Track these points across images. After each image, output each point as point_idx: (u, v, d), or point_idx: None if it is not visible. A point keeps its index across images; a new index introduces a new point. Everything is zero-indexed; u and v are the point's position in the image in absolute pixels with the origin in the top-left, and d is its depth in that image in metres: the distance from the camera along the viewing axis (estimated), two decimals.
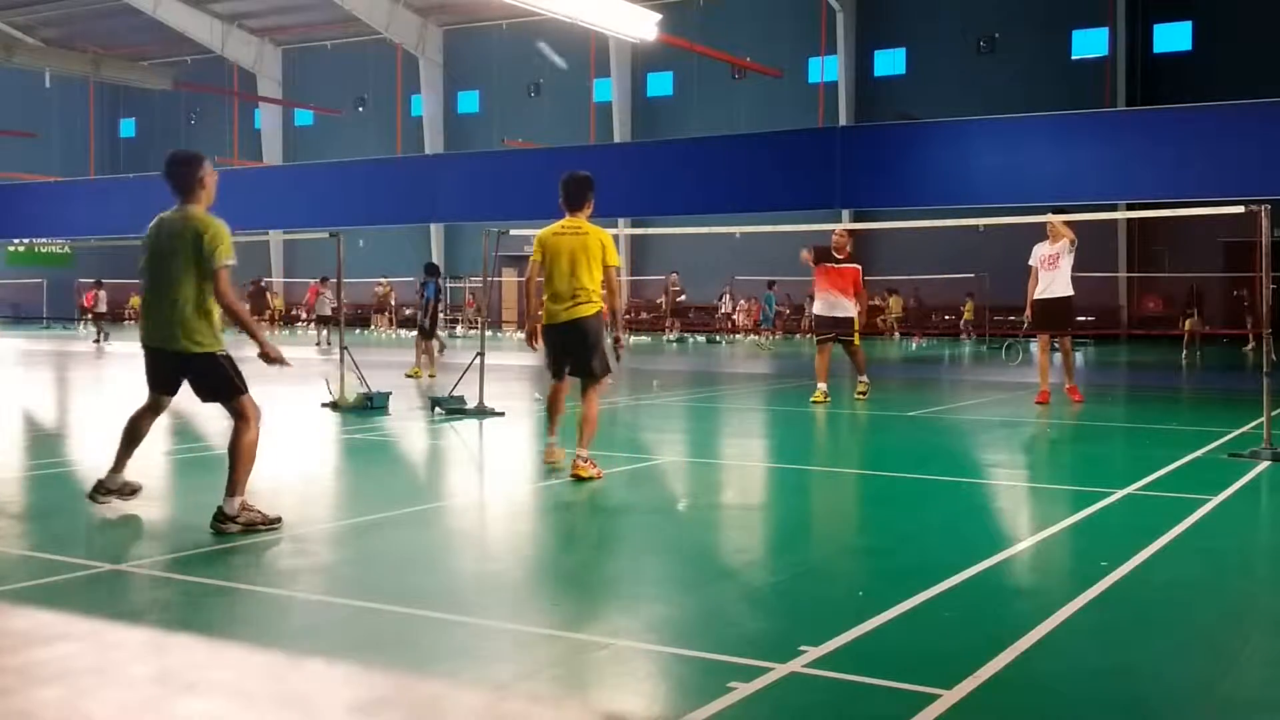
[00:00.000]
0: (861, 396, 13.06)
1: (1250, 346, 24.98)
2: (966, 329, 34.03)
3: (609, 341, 7.61)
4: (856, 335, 13.16)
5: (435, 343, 18.00)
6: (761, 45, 36.54)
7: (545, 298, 7.55)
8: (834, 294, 12.98)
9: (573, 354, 7.52)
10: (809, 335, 24.65)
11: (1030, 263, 12.60)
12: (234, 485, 5.67)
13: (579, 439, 7.30)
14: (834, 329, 13.04)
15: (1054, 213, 12.65)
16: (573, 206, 7.59)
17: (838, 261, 12.98)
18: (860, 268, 13.16)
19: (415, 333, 18.36)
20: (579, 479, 7.15)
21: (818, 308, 13.43)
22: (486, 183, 23.00)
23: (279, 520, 5.77)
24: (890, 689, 3.49)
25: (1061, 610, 4.36)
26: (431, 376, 16.65)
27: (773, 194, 20.85)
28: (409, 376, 16.61)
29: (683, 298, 37.42)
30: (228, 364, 5.81)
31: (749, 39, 36.83)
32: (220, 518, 5.65)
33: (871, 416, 12.06)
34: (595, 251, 7.39)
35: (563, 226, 7.57)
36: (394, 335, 35.23)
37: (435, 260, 43.09)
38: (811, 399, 12.72)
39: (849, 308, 12.98)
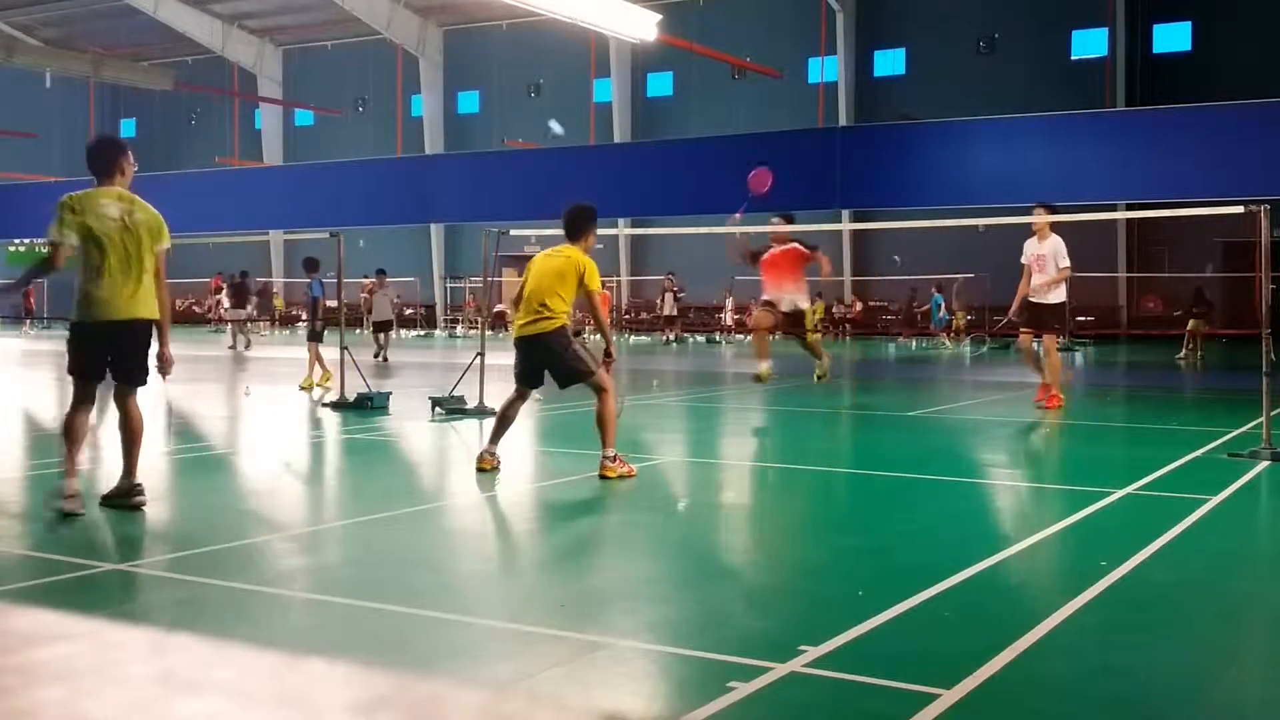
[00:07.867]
0: (820, 380, 12.82)
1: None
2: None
3: (597, 352, 7.64)
4: (809, 332, 12.71)
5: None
6: (761, 45, 36.53)
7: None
8: (780, 284, 12.38)
9: (550, 368, 7.59)
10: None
11: (1023, 260, 12.09)
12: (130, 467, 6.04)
13: (601, 441, 7.38)
14: (784, 322, 12.43)
15: (1048, 210, 11.90)
16: (571, 237, 7.71)
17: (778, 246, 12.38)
18: (800, 246, 12.50)
19: (306, 338, 14.90)
20: (605, 479, 7.22)
21: (769, 295, 12.62)
22: (486, 183, 22.99)
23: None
24: (890, 689, 3.50)
25: (1061, 610, 4.36)
26: (325, 387, 13.90)
27: (773, 194, 20.84)
28: (302, 389, 14.13)
29: (682, 295, 37.37)
30: None
31: (749, 39, 36.82)
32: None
33: (872, 416, 12.06)
34: (569, 275, 7.44)
35: (553, 251, 7.70)
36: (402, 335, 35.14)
37: (434, 260, 43.17)
38: (755, 376, 12.34)
39: (800, 300, 12.43)
